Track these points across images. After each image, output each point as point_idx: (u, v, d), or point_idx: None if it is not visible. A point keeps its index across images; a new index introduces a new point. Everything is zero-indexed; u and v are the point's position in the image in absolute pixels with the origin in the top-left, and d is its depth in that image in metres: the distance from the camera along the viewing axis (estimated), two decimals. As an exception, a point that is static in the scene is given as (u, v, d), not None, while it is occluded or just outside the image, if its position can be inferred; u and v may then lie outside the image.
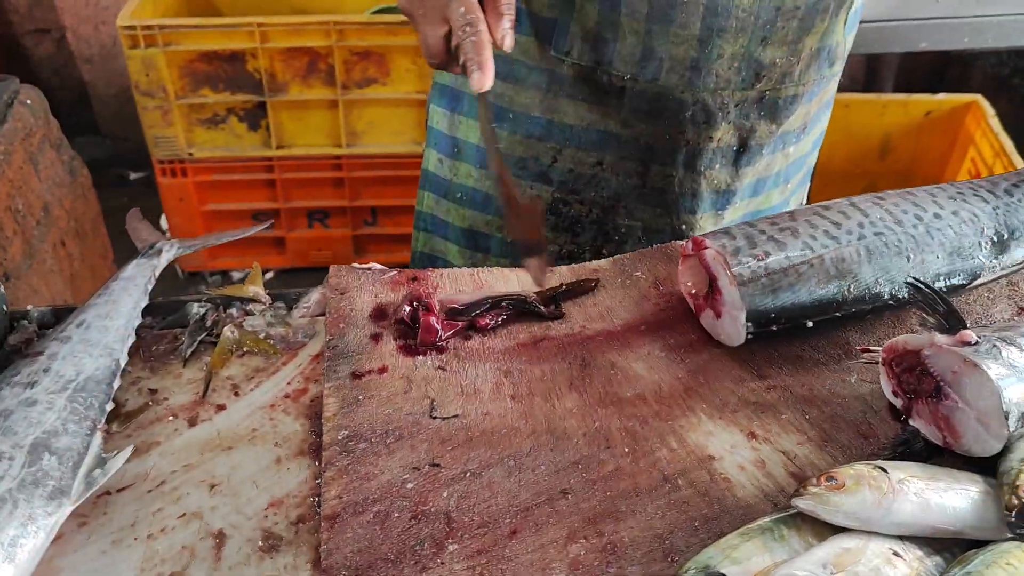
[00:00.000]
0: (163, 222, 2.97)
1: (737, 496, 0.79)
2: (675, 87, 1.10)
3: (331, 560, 0.74)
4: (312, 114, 2.82)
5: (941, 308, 0.83)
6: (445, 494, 0.79)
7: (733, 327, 0.92)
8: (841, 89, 1.31)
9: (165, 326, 1.02)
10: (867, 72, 3.33)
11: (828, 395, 0.88)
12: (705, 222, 1.22)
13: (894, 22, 1.86)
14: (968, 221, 0.96)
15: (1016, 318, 0.97)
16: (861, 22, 1.93)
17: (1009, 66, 3.23)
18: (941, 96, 2.67)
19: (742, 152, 1.18)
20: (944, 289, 0.94)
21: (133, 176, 3.48)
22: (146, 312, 1.01)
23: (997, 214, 0.98)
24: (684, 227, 1.21)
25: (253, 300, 1.05)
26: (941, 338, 0.81)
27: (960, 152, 2.68)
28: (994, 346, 0.79)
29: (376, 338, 0.94)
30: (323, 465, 0.82)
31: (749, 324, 0.90)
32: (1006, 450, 0.76)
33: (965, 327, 0.81)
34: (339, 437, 0.84)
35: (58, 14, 3.30)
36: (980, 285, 0.98)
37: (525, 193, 1.20)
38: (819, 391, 0.89)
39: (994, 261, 0.97)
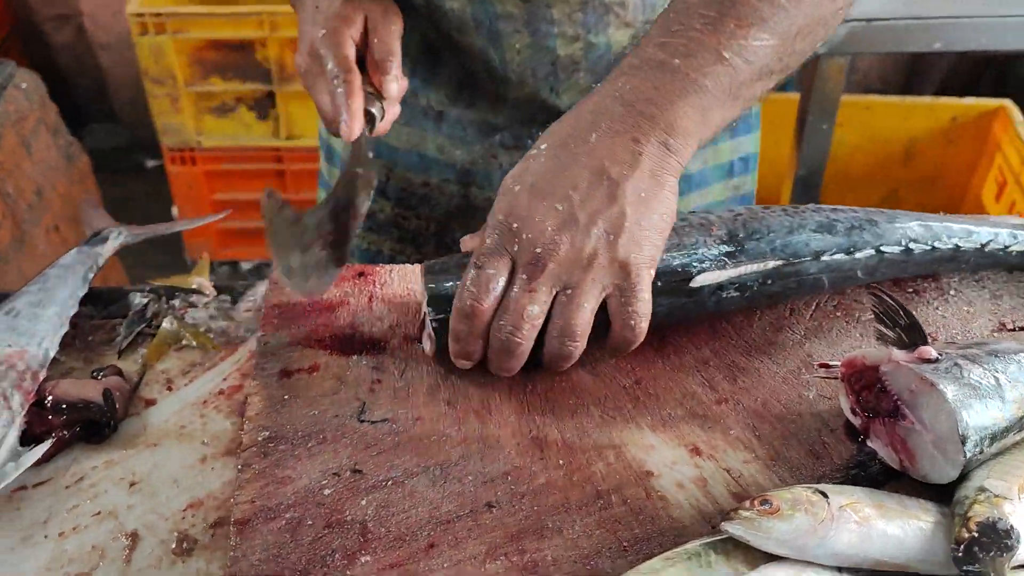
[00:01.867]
0: (174, 211, 2.97)
1: (672, 516, 0.74)
2: (486, 116, 1.13)
3: (237, 567, 0.70)
4: (321, 105, 2.78)
5: (902, 321, 0.77)
6: (363, 502, 0.75)
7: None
8: (870, 91, 1.24)
9: (105, 316, 0.99)
10: (907, 74, 3.24)
11: (783, 411, 0.83)
12: None
13: (905, 20, 1.78)
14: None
15: (996, 334, 0.90)
16: (870, 20, 1.86)
17: (1045, 71, 3.12)
18: (968, 100, 2.58)
19: None
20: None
21: (150, 164, 3.49)
22: (87, 300, 0.98)
23: (737, 220, 0.88)
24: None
25: (197, 292, 1.01)
26: (899, 354, 0.75)
27: (988, 159, 2.59)
28: (956, 364, 0.73)
29: (310, 336, 0.90)
30: (240, 467, 0.78)
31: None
32: (963, 478, 0.70)
33: (926, 342, 0.75)
34: (259, 438, 0.80)
35: (77, 0, 3.31)
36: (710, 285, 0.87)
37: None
38: (773, 406, 0.83)
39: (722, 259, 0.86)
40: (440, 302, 0.83)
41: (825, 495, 0.67)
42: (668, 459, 0.79)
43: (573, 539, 0.72)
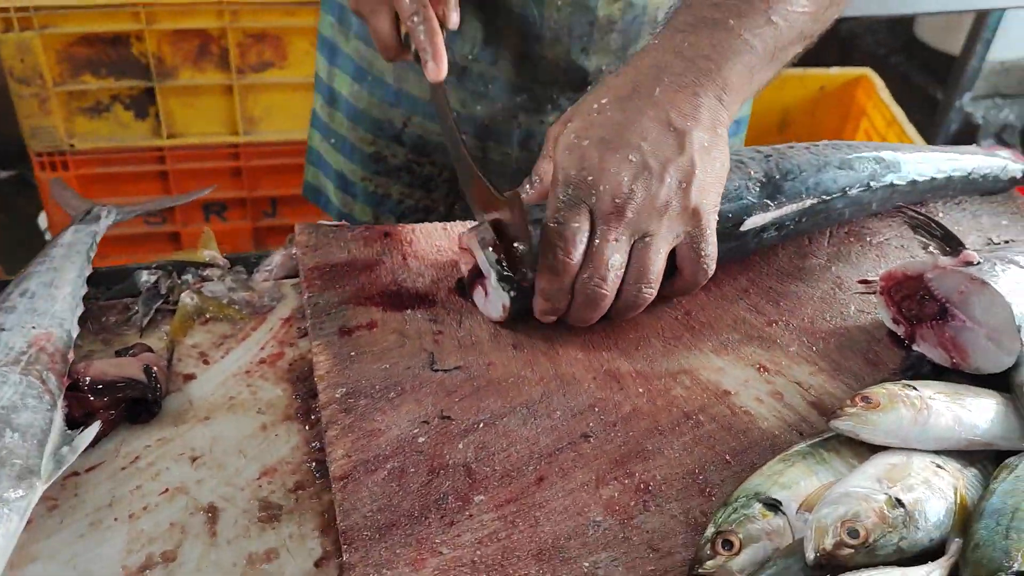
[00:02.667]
0: (42, 219, 2.77)
1: (761, 428, 0.77)
2: (509, 75, 1.13)
3: (350, 521, 0.68)
4: (205, 100, 2.67)
5: (937, 232, 0.84)
6: (460, 446, 0.74)
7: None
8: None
9: (111, 296, 0.93)
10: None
11: (831, 327, 0.88)
12: None
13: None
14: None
15: (986, 248, 0.99)
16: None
17: (886, 45, 3.39)
18: (834, 70, 2.77)
19: None
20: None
21: (2, 175, 3.23)
22: (89, 282, 0.92)
23: (769, 161, 0.93)
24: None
25: (209, 265, 0.96)
26: (944, 260, 0.81)
27: (853, 124, 2.79)
28: (995, 264, 0.80)
29: (358, 294, 0.88)
30: (324, 424, 0.75)
31: None
32: (1018, 364, 0.77)
33: (965, 248, 0.82)
34: (337, 395, 0.78)
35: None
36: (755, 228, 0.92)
37: (395, 155, 1.24)
38: (821, 324, 0.88)
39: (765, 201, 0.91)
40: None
41: (915, 387, 0.72)
42: (740, 378, 0.82)
43: (676, 458, 0.75)
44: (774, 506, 0.65)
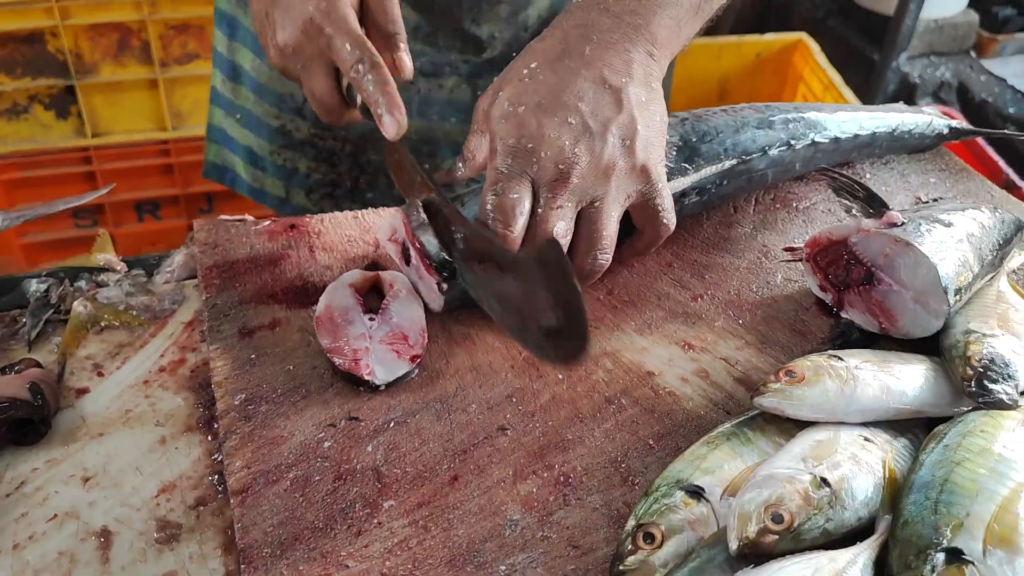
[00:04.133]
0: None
1: (686, 409, 0.74)
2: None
3: (249, 538, 0.64)
4: (129, 96, 2.58)
5: (860, 193, 0.81)
6: (369, 448, 0.70)
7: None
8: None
9: (-1, 309, 0.87)
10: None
11: (757, 299, 0.84)
12: (445, 165, 1.21)
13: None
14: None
15: (915, 206, 0.97)
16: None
17: (823, 8, 3.38)
18: (769, 36, 2.74)
19: None
20: None
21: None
22: (-27, 295, 0.86)
23: (684, 124, 0.90)
24: (428, 167, 1.18)
25: (105, 269, 0.91)
26: (868, 222, 0.78)
27: (791, 89, 2.77)
28: (920, 225, 0.77)
29: (260, 291, 0.83)
30: (222, 434, 0.70)
31: None
32: (946, 327, 0.75)
33: (889, 209, 0.79)
34: (235, 402, 0.73)
35: None
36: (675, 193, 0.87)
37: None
38: (747, 295, 0.85)
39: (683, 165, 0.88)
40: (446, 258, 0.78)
41: (840, 358, 0.69)
42: (664, 357, 0.79)
43: (597, 446, 0.71)
44: (697, 493, 0.62)
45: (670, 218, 0.80)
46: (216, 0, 1.25)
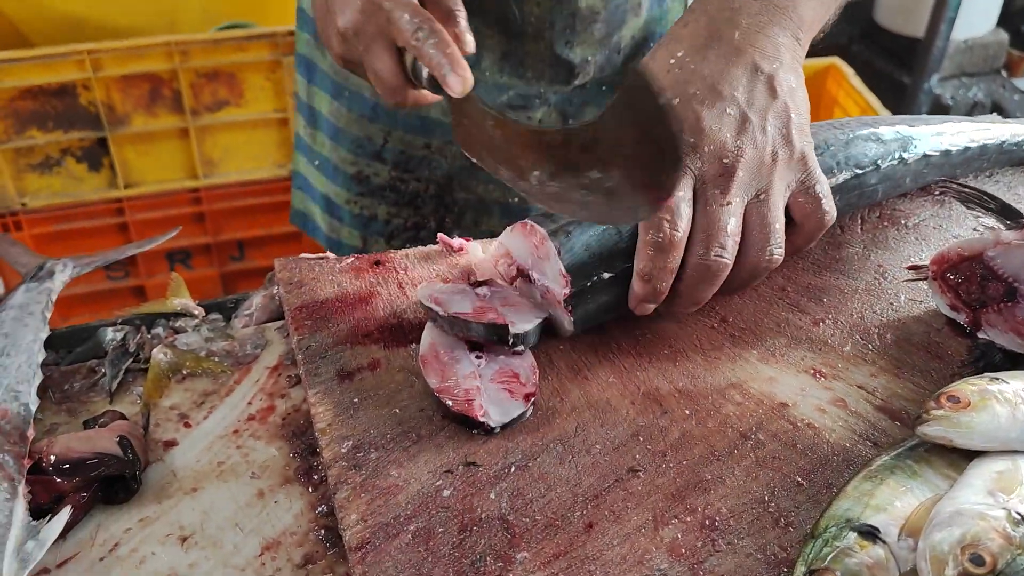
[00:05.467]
0: (-2, 285, 2.63)
1: (829, 441, 0.68)
2: (493, 75, 1.06)
3: (374, 599, 0.58)
4: (161, 146, 2.56)
5: (993, 205, 0.76)
6: (492, 495, 0.64)
7: None
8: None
9: (74, 359, 0.82)
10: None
11: (883, 321, 0.79)
12: None
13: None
14: None
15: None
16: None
17: (846, 34, 3.37)
18: (805, 61, 2.72)
19: None
20: None
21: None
22: (46, 345, 0.81)
23: None
24: (516, 201, 1.18)
25: (181, 315, 0.86)
26: (1008, 234, 0.73)
27: (826, 113, 2.73)
28: (1063, 234, 0.72)
29: (354, 331, 0.78)
30: (332, 485, 0.65)
31: None
32: (1104, 342, 0.69)
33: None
34: (343, 450, 0.67)
35: None
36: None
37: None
38: (871, 318, 0.79)
39: None
40: (588, 265, 0.73)
41: (1003, 380, 0.64)
42: (795, 387, 0.73)
43: (739, 485, 0.65)
44: (871, 533, 0.56)
45: (831, 206, 0.76)
46: (296, 45, 1.24)
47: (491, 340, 0.73)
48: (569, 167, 0.65)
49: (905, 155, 0.86)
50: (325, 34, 0.82)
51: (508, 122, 0.68)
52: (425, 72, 0.74)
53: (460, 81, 0.69)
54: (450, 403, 0.69)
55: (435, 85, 0.73)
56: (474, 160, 0.74)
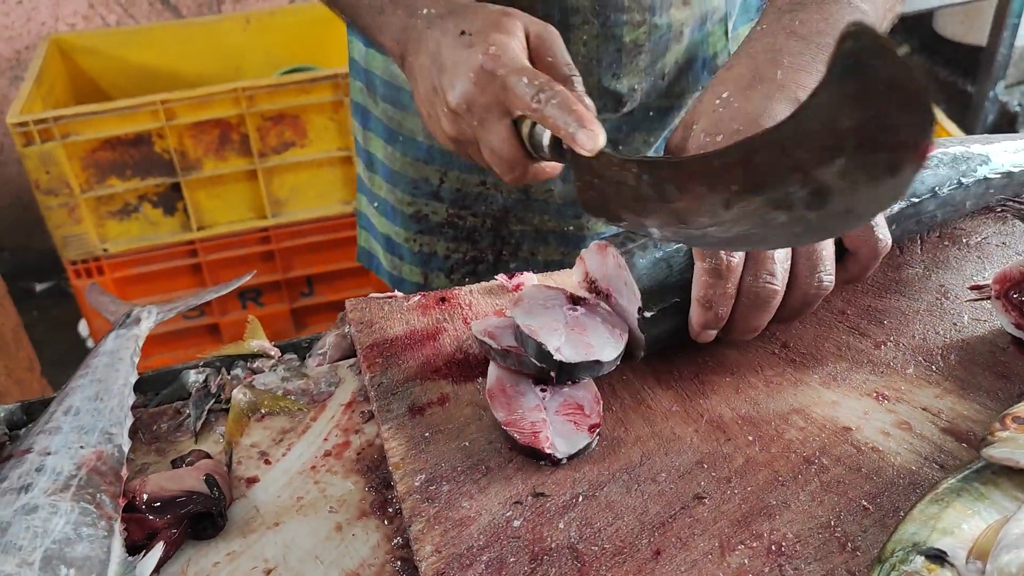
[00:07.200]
0: (82, 327, 2.75)
1: (895, 464, 0.69)
2: None
3: (450, 628, 0.60)
4: (230, 188, 2.66)
5: (1053, 221, 0.75)
6: (561, 525, 0.66)
7: None
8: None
9: (160, 401, 0.87)
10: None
11: (947, 342, 0.79)
12: (594, 224, 1.20)
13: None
14: None
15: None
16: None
17: (906, 44, 3.32)
18: (862, 77, 2.70)
19: None
20: None
21: (39, 287, 3.23)
22: (135, 388, 0.85)
23: None
24: (572, 229, 1.20)
25: (259, 355, 0.90)
26: (1070, 251, 0.73)
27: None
28: None
29: (424, 367, 0.81)
30: (407, 518, 0.68)
31: None
32: None
33: (1090, 236, 0.73)
34: (416, 483, 0.70)
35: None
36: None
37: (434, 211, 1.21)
38: (934, 339, 0.80)
39: None
40: (654, 290, 0.75)
41: (1070, 399, 0.63)
42: (858, 411, 0.74)
43: (804, 510, 0.66)
44: (939, 557, 0.56)
45: (884, 233, 0.76)
46: (351, 93, 1.28)
47: (542, 371, 0.74)
48: (754, 183, 0.54)
49: (964, 179, 0.86)
50: (433, 117, 0.80)
51: (660, 159, 0.63)
52: (546, 138, 0.71)
53: (591, 136, 0.66)
54: (517, 436, 0.71)
55: (557, 151, 0.71)
56: (610, 223, 0.71)
